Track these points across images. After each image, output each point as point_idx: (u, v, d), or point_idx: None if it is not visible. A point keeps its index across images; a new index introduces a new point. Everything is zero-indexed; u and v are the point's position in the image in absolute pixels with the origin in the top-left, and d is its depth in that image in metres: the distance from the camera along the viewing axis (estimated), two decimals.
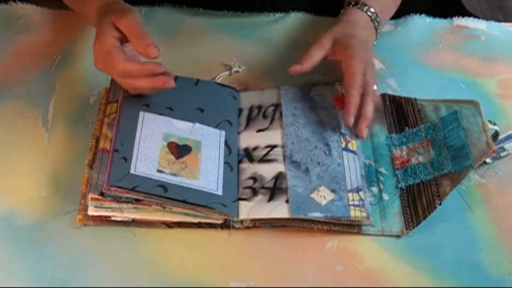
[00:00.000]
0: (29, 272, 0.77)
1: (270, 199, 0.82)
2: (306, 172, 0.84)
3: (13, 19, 1.08)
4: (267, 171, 0.85)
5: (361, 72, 0.88)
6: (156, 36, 0.87)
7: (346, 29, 0.93)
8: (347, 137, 0.89)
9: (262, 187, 0.84)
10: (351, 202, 0.81)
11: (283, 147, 0.88)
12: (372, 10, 0.96)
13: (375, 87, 0.89)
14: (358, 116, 0.88)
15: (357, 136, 0.89)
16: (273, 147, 0.88)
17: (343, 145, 0.88)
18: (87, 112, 0.94)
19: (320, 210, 0.80)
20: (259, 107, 0.94)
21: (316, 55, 0.91)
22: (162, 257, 0.79)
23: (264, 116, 0.92)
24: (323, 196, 0.82)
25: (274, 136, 0.89)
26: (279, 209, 0.81)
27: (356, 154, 0.87)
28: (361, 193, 0.83)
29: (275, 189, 0.83)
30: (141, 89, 0.86)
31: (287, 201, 0.81)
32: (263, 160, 0.87)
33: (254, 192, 0.83)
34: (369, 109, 0.88)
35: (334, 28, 0.94)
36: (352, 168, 0.85)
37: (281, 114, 0.91)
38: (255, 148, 0.88)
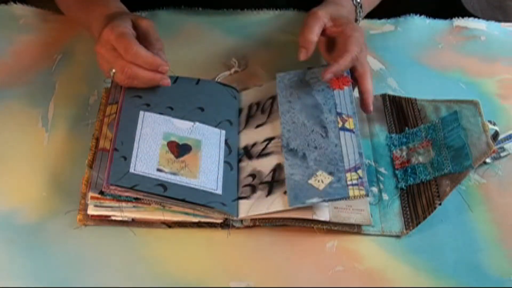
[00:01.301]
0: (29, 272, 0.76)
1: (269, 193, 0.82)
2: (303, 158, 0.83)
3: (13, 19, 1.09)
4: (266, 165, 0.85)
5: (359, 45, 0.87)
6: None
7: (338, 10, 0.92)
8: (343, 116, 0.87)
9: (261, 183, 0.83)
10: (349, 182, 0.80)
11: (280, 137, 0.87)
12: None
13: None
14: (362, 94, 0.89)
15: (354, 113, 0.87)
16: (270, 139, 0.87)
17: (340, 125, 0.86)
18: (87, 112, 0.94)
19: (318, 195, 0.79)
20: (258, 104, 0.93)
21: (315, 29, 0.88)
22: (162, 257, 0.79)
23: (263, 111, 0.92)
24: (320, 180, 0.80)
25: (272, 129, 0.89)
26: (277, 202, 0.80)
27: (353, 132, 0.86)
28: (359, 171, 0.81)
29: (274, 182, 0.83)
30: (138, 78, 0.85)
31: (285, 192, 0.81)
32: (262, 154, 0.86)
33: (254, 189, 0.83)
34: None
35: (328, 6, 0.92)
36: (349, 147, 0.84)
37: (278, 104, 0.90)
38: (254, 145, 0.88)
